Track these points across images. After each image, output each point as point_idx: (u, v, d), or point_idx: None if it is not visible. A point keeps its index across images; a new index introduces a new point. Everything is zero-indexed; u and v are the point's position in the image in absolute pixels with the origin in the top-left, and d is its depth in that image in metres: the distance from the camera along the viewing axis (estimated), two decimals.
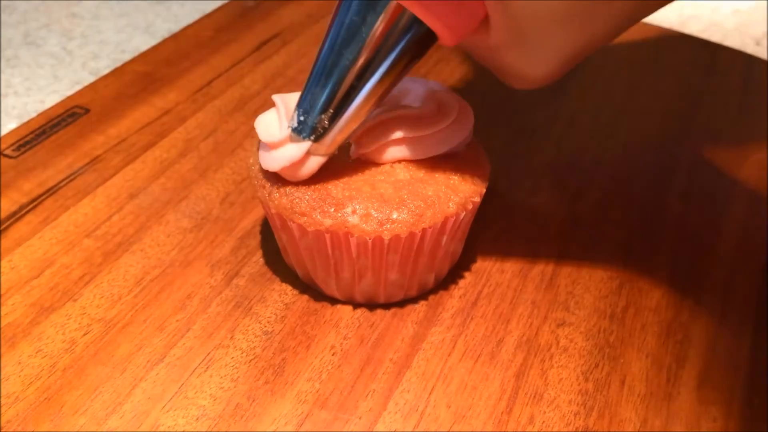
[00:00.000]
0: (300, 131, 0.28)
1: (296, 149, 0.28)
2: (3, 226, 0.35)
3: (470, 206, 0.29)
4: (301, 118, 0.28)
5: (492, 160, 0.32)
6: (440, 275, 0.33)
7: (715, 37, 0.56)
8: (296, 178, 0.29)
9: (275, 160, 0.28)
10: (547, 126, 0.43)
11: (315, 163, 0.28)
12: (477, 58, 0.30)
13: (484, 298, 0.32)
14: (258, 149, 0.30)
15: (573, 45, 0.27)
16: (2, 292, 0.32)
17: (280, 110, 0.29)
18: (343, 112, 0.27)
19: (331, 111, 0.27)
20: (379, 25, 0.26)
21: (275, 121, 0.29)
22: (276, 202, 0.29)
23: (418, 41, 0.27)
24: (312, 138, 0.28)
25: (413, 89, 0.31)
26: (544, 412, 0.28)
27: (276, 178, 0.29)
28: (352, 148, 0.30)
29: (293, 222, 0.29)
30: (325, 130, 0.28)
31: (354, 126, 0.28)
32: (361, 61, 0.27)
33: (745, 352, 0.31)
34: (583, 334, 0.31)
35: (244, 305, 0.31)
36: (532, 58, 0.27)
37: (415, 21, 0.26)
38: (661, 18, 0.58)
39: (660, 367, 0.30)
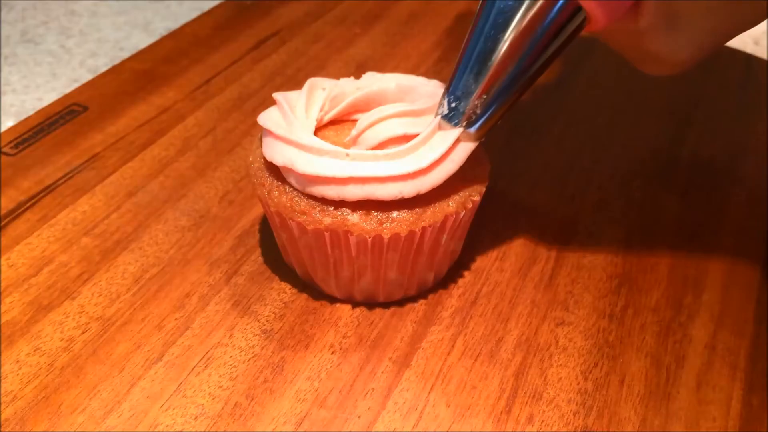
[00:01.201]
0: (451, 118, 0.28)
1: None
2: (1, 224, 0.35)
3: (470, 205, 0.29)
4: (453, 105, 0.28)
5: (492, 159, 0.32)
6: (440, 274, 0.33)
7: None
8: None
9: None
10: (546, 125, 0.43)
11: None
12: (613, 43, 0.30)
13: (484, 297, 0.32)
14: (260, 146, 0.30)
15: (723, 28, 0.27)
16: (0, 291, 0.31)
17: (283, 107, 0.29)
18: (497, 98, 0.27)
19: (485, 97, 0.27)
20: (534, 9, 0.26)
21: (281, 119, 0.29)
22: (275, 200, 0.29)
23: (573, 24, 0.26)
24: (464, 125, 0.28)
25: (415, 87, 0.31)
26: (544, 412, 0.28)
27: (275, 177, 0.29)
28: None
29: (293, 220, 0.29)
30: (478, 117, 0.28)
31: (505, 110, 0.28)
32: (515, 45, 0.26)
33: (744, 351, 0.31)
34: (583, 334, 0.31)
35: (243, 304, 0.31)
36: (679, 43, 0.27)
37: (570, 2, 0.26)
38: None
39: (659, 367, 0.30)
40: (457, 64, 0.28)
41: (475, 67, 0.27)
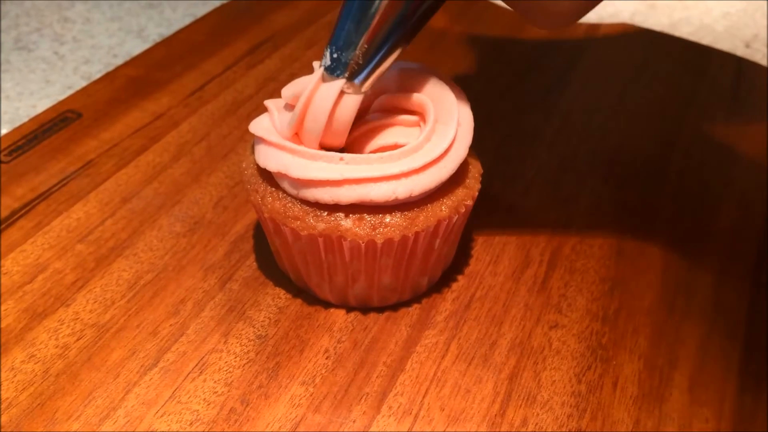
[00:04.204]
0: (333, 70, 0.27)
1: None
2: None
3: (463, 209, 0.30)
4: (335, 56, 0.27)
5: (484, 163, 0.32)
6: (433, 278, 0.33)
7: (705, 39, 0.56)
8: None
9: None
10: (539, 128, 0.43)
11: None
12: None
13: (477, 301, 0.32)
14: (253, 152, 0.30)
15: None
16: None
17: (273, 115, 0.29)
18: (379, 48, 0.27)
19: (366, 47, 0.27)
20: None
21: (272, 126, 0.29)
22: (269, 206, 0.29)
23: None
24: (346, 75, 0.27)
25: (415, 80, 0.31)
26: (537, 414, 0.28)
27: (269, 182, 0.29)
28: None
29: (286, 226, 0.29)
30: (360, 67, 0.27)
31: (390, 61, 0.28)
32: None
33: (737, 353, 0.31)
34: (576, 337, 0.31)
35: (237, 309, 0.32)
36: None
37: None
38: (652, 21, 0.58)
39: (652, 369, 0.30)
40: (339, 14, 0.27)
41: (356, 16, 0.27)
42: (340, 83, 0.27)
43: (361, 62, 0.27)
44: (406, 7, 0.27)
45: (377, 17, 0.27)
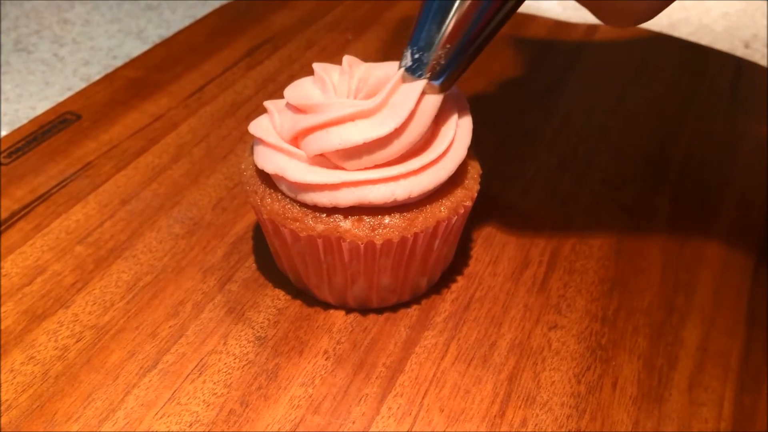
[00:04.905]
0: (415, 70, 0.27)
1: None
2: None
3: (462, 210, 0.30)
4: (416, 56, 0.27)
5: (483, 164, 0.32)
6: (433, 279, 0.33)
7: (704, 40, 0.56)
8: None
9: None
10: (538, 129, 0.43)
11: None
12: None
13: (477, 302, 0.32)
14: (252, 154, 0.30)
15: None
16: None
17: (273, 116, 0.29)
18: (462, 48, 0.27)
19: (449, 46, 0.27)
20: None
21: (271, 127, 0.29)
22: (268, 207, 0.29)
23: None
24: (428, 76, 0.27)
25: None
26: (537, 415, 0.28)
27: (268, 184, 0.29)
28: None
29: (285, 227, 0.29)
30: (443, 68, 0.27)
31: (471, 61, 0.28)
32: None
33: (736, 353, 0.31)
34: (575, 337, 0.31)
35: (236, 311, 0.32)
36: None
37: None
38: (651, 21, 0.58)
39: (651, 369, 0.30)
40: (419, 14, 0.27)
41: (437, 15, 0.26)
42: (422, 83, 0.27)
43: (443, 62, 0.27)
44: (486, 5, 0.26)
45: (457, 15, 0.26)
